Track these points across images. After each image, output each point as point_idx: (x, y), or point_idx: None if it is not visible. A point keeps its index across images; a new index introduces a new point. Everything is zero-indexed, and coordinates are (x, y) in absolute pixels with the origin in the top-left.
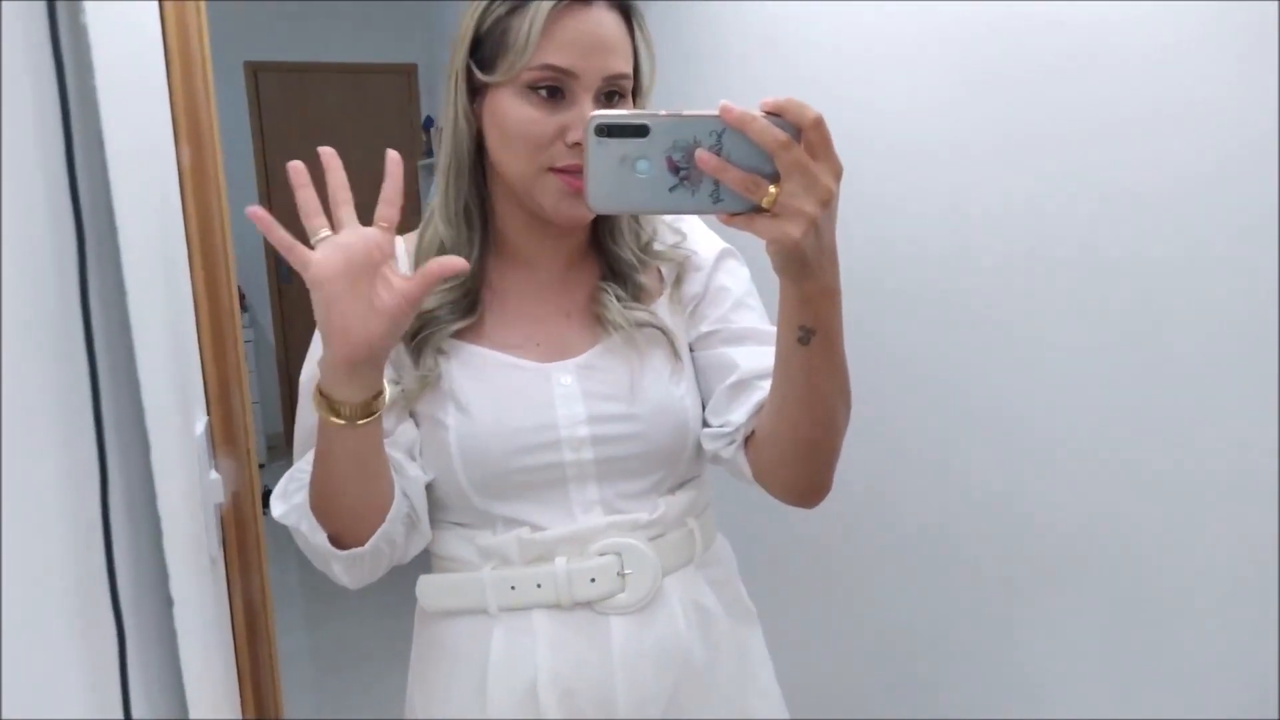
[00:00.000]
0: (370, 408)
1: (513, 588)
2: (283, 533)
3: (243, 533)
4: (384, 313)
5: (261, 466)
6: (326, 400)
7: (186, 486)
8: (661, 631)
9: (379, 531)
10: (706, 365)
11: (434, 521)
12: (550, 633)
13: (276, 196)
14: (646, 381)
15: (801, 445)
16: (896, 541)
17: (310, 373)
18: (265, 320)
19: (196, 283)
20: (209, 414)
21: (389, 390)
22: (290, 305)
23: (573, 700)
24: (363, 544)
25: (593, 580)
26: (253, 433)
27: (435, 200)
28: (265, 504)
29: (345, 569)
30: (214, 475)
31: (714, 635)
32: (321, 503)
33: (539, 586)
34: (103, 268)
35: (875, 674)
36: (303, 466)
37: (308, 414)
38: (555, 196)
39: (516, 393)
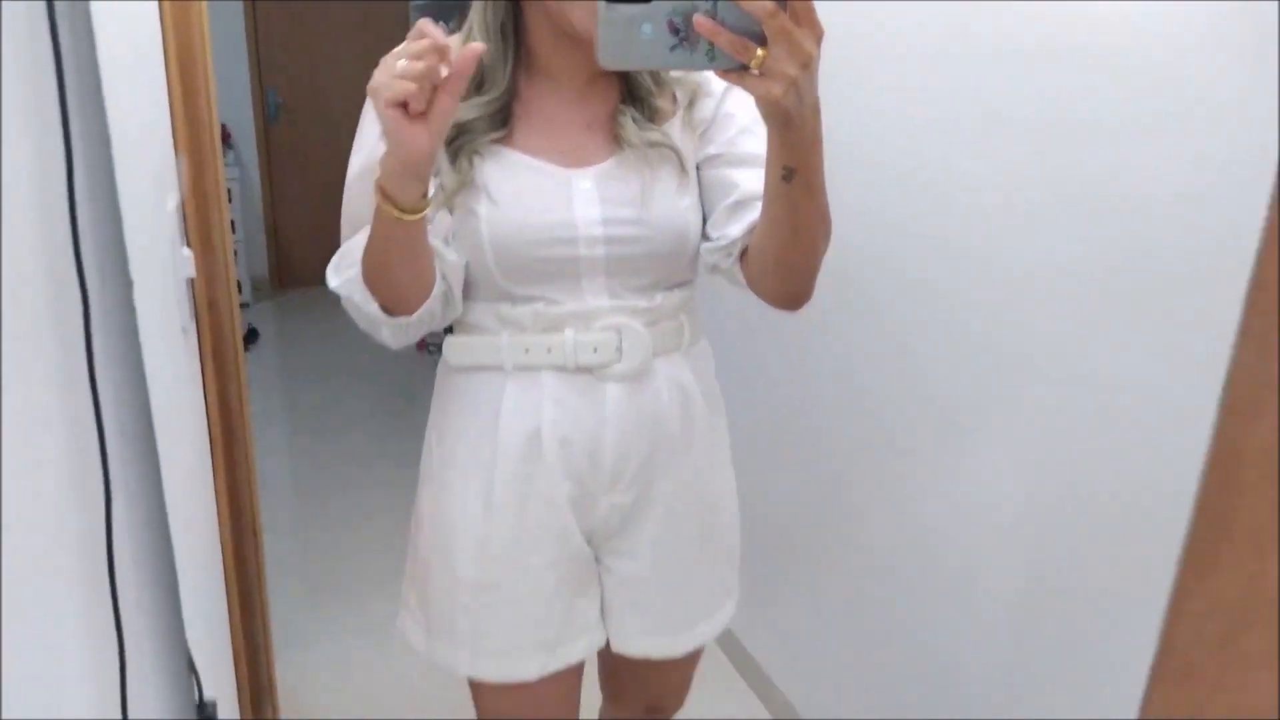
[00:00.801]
0: (420, 205)
1: (526, 351)
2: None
3: (221, 362)
4: (432, 131)
5: (245, 306)
6: (388, 198)
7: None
8: (647, 400)
9: (423, 306)
10: (710, 184)
11: (463, 296)
12: (555, 390)
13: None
14: (656, 193)
15: (785, 263)
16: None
17: (358, 167)
18: (251, 160)
19: (174, 102)
20: (188, 245)
21: (431, 186)
22: (277, 146)
23: (568, 448)
24: (410, 314)
25: (594, 350)
26: (232, 270)
27: (473, 19)
28: (249, 342)
29: (392, 333)
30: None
31: (690, 412)
32: (374, 279)
33: (549, 351)
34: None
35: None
36: (351, 248)
37: (355, 203)
38: (584, 13)
39: (541, 192)
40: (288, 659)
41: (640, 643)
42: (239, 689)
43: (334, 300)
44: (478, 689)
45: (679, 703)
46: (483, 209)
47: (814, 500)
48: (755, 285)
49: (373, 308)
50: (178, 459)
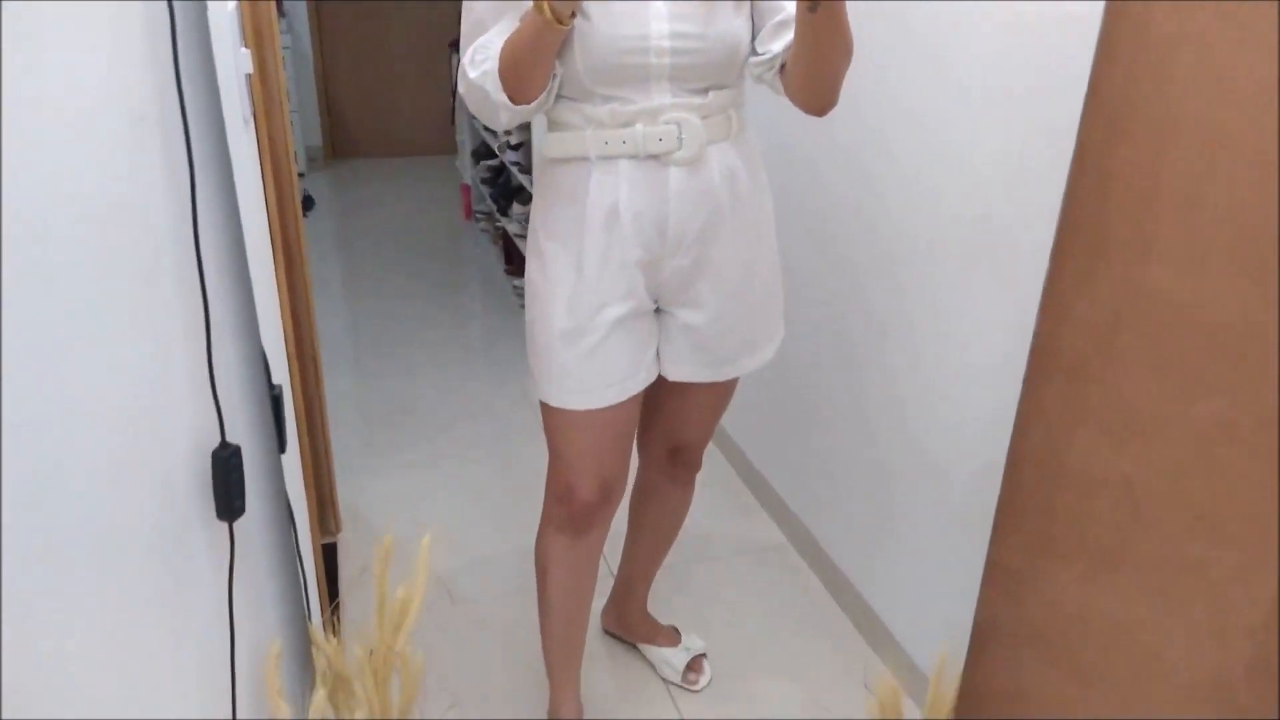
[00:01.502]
0: (569, 16)
1: (605, 143)
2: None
3: (286, 233)
4: None
5: (301, 176)
6: (553, 10)
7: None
8: (702, 181)
9: (539, 98)
10: (760, 7)
11: (555, 97)
12: (629, 174)
13: None
14: (716, 14)
15: (813, 78)
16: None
17: None
18: (303, 32)
19: None
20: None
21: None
22: (329, 18)
23: (640, 220)
24: (529, 103)
25: (660, 140)
26: (290, 137)
27: None
28: (306, 209)
29: (509, 117)
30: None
31: (737, 190)
32: (510, 74)
33: (624, 143)
34: None
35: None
36: (485, 46)
37: (477, 12)
38: None
39: (624, 13)
40: (347, 482)
41: (691, 371)
42: (306, 492)
43: (386, 171)
44: (559, 417)
45: (702, 445)
46: (578, 24)
47: (829, 331)
48: (790, 94)
49: (501, 97)
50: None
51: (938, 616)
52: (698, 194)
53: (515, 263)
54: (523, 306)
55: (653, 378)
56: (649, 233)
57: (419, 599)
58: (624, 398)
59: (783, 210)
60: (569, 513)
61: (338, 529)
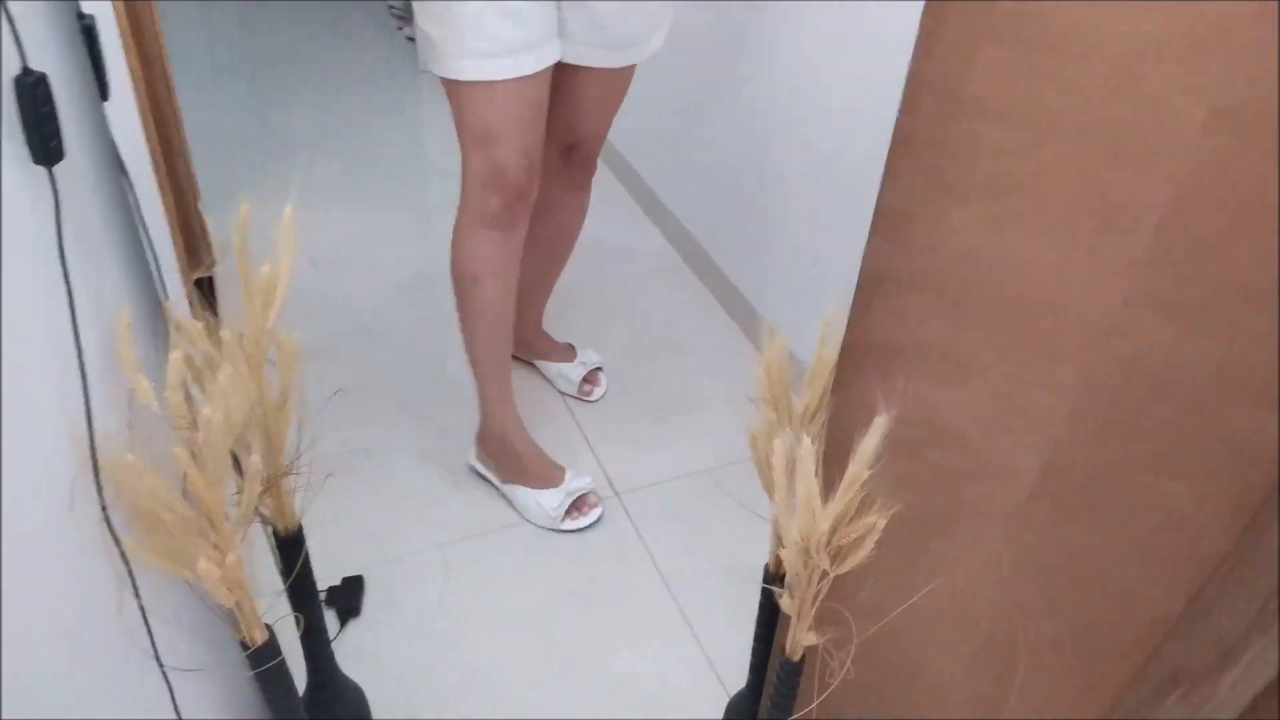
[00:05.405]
0: None
1: None
2: None
3: None
4: None
5: None
6: None
7: None
8: None
9: None
10: None
11: None
12: None
13: None
14: None
15: None
16: None
17: None
18: None
19: None
20: None
21: None
22: None
23: None
24: None
25: None
26: None
27: None
28: None
29: None
30: None
31: None
32: None
33: None
34: None
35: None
36: None
37: None
38: None
39: None
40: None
41: (591, 54)
42: (171, 227)
43: None
44: (483, 92)
45: (598, 143)
46: None
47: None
48: None
49: None
50: None
51: None
52: None
53: None
54: (400, 26)
55: (558, 55)
56: None
57: (286, 274)
58: (543, 65)
59: None
60: (502, 200)
61: (213, 262)
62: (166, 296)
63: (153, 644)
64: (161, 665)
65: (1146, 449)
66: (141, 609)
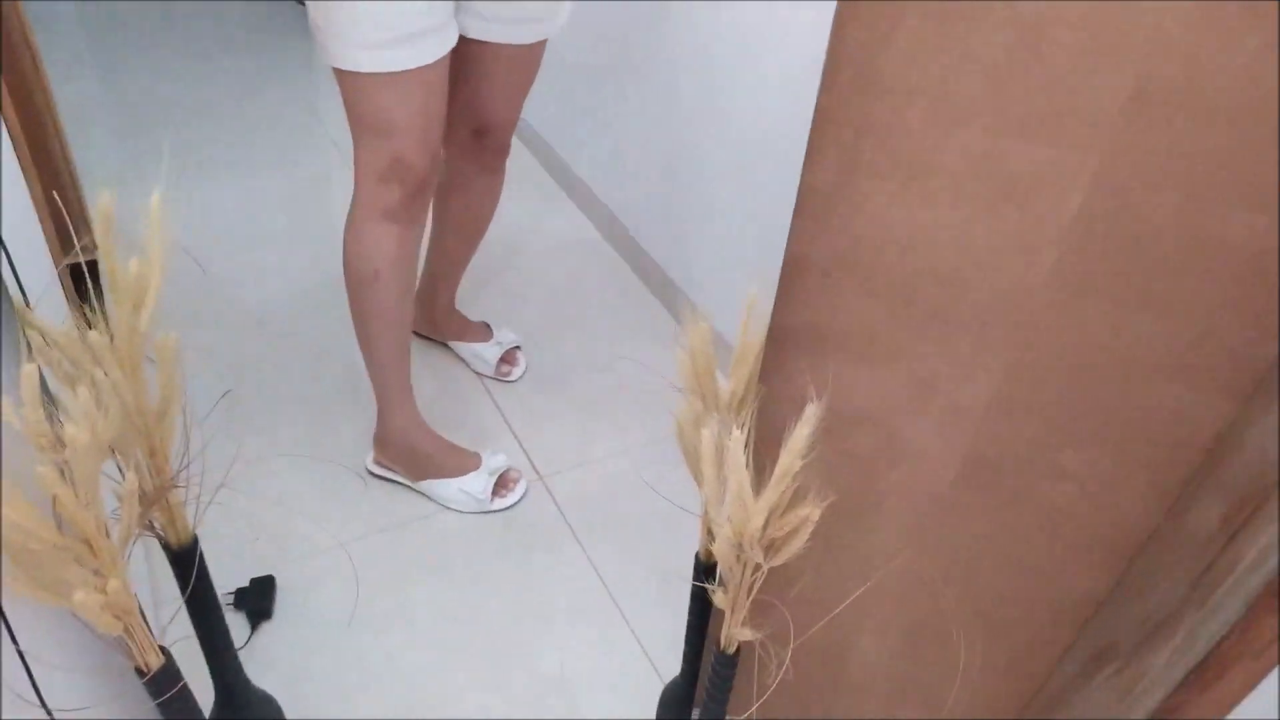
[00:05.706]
0: None
1: None
2: None
3: None
4: None
5: None
6: None
7: None
8: None
9: None
10: None
11: None
12: None
13: None
14: None
15: None
16: None
17: None
18: None
19: None
20: None
21: None
22: None
23: None
24: None
25: None
26: None
27: None
28: None
29: None
30: None
31: None
32: None
33: None
34: None
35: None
36: None
37: None
38: None
39: None
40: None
41: (499, 30)
42: (39, 212)
43: None
44: (382, 83)
45: (510, 125)
46: None
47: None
48: None
49: None
50: None
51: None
52: None
53: None
54: None
55: (456, 37)
56: None
57: (159, 270)
58: (445, 50)
59: None
60: (403, 193)
61: (94, 245)
62: (24, 295)
63: (34, 687)
64: (49, 711)
65: (1070, 429)
66: (19, 652)
